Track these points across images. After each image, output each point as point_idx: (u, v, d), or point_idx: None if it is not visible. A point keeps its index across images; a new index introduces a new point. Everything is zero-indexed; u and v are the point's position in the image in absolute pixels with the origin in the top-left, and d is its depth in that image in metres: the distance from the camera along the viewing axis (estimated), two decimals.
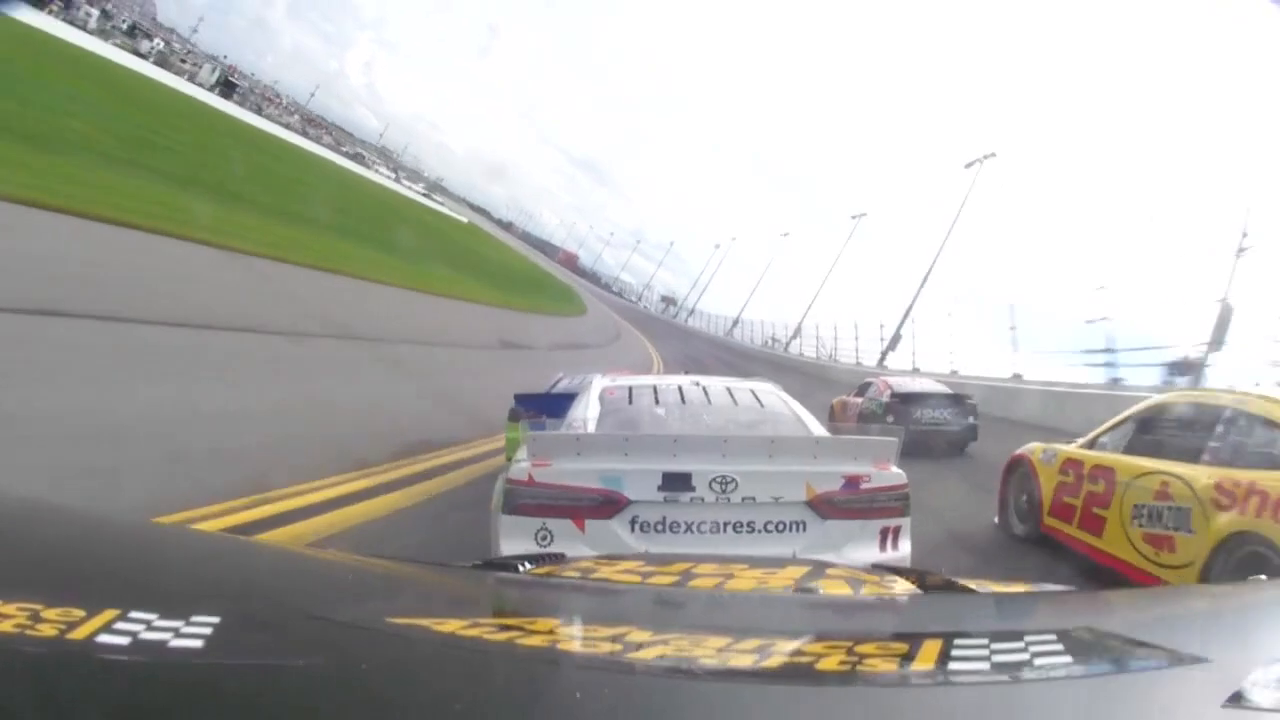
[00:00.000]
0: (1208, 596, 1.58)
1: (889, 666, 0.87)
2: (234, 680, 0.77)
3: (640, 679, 0.85)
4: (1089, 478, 4.53)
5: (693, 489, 2.69)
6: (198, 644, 0.78)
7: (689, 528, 2.71)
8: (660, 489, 2.70)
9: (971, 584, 1.60)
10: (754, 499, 2.73)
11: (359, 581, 1.40)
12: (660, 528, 2.71)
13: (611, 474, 2.70)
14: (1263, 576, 1.89)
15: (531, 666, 0.87)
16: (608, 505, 2.70)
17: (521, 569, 1.61)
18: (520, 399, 6.36)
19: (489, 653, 0.88)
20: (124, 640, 0.77)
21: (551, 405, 5.74)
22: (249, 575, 1.33)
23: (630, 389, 3.85)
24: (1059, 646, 0.91)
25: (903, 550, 2.95)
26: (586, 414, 3.49)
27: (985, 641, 0.93)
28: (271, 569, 1.41)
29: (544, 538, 2.64)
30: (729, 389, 3.82)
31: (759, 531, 2.75)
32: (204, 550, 1.57)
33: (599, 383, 3.95)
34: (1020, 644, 0.91)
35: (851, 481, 2.79)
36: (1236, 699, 0.74)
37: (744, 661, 0.86)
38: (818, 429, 3.47)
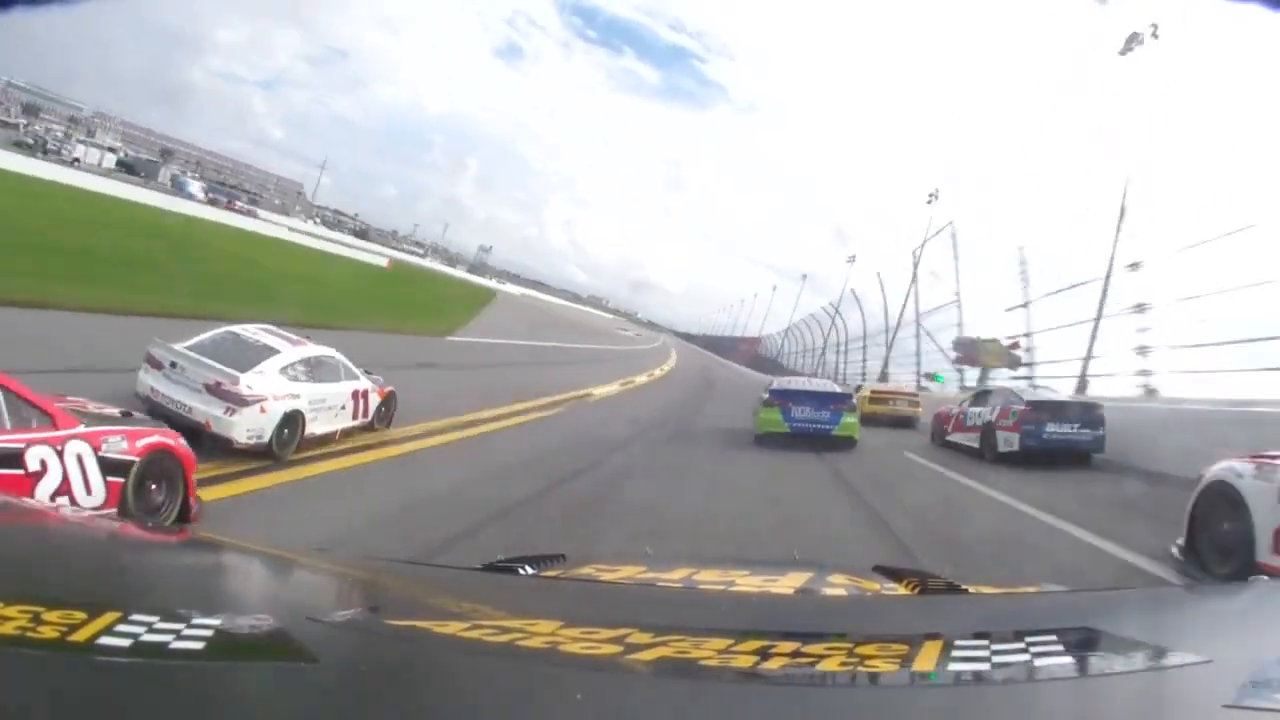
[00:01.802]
0: (1208, 596, 1.58)
1: (889, 667, 0.87)
2: (235, 682, 0.77)
3: (641, 680, 0.85)
4: (864, 401, 15.99)
5: (174, 366, 6.91)
6: (199, 646, 0.78)
7: (169, 379, 6.87)
8: (170, 366, 6.91)
9: (971, 587, 1.60)
10: (187, 376, 6.87)
11: (359, 583, 1.40)
12: (166, 377, 6.89)
13: (166, 360, 6.96)
14: (1264, 577, 1.89)
15: (532, 668, 0.86)
16: (158, 367, 6.94)
17: (522, 571, 1.61)
18: (771, 391, 12.45)
19: (490, 654, 0.88)
20: (125, 642, 0.77)
21: (789, 395, 12.30)
22: (249, 577, 1.33)
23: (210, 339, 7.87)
24: (1059, 646, 0.91)
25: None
26: (184, 346, 7.42)
27: (985, 642, 0.92)
28: (271, 571, 1.41)
29: (146, 370, 6.93)
30: (255, 337, 7.70)
31: (194, 390, 6.78)
32: (204, 553, 1.57)
33: (201, 337, 7.64)
34: (1020, 644, 0.91)
35: (216, 384, 6.76)
36: (1237, 699, 0.74)
37: (744, 663, 0.86)
38: (268, 367, 7.36)
